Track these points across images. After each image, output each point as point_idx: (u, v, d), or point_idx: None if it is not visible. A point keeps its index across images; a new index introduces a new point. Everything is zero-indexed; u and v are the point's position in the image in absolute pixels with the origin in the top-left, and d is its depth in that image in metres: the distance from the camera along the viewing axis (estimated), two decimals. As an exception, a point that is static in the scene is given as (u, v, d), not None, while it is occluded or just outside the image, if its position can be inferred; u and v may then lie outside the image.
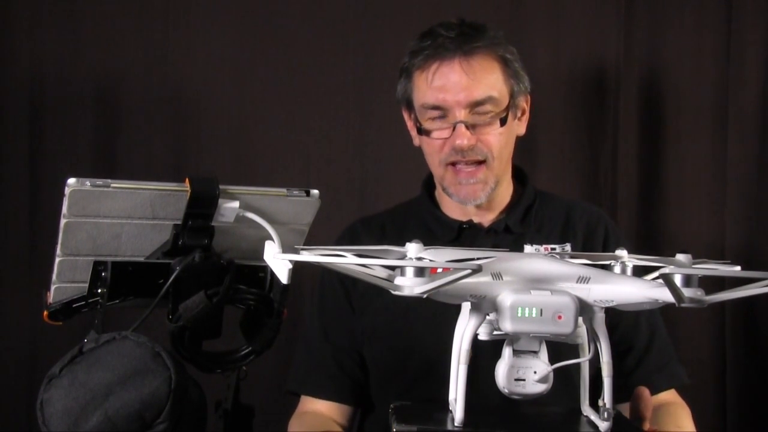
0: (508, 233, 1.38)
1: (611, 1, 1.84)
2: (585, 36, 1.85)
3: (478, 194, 1.33)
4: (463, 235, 1.38)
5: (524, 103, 1.38)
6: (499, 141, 1.32)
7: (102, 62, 1.81)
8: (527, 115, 1.40)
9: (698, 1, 1.85)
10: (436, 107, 1.31)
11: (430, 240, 1.25)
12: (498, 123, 1.31)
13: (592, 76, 1.86)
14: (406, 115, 1.41)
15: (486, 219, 1.40)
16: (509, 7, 1.84)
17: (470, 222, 1.39)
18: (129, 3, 1.82)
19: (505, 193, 1.41)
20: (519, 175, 1.43)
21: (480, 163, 1.32)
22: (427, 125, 1.33)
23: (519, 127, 1.39)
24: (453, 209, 1.41)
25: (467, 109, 1.30)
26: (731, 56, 1.82)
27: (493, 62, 1.33)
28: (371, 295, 1.36)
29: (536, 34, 1.82)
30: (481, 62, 1.31)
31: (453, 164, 1.32)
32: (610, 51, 1.85)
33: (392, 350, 1.36)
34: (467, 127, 1.29)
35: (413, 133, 1.40)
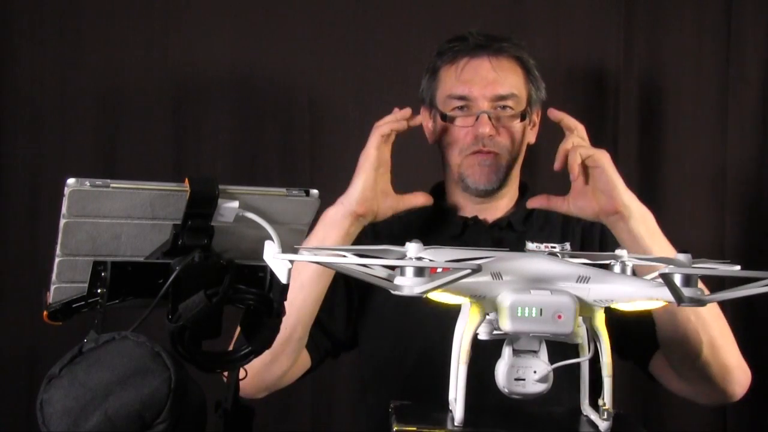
0: (511, 230, 1.42)
1: (611, 1, 1.84)
2: (585, 36, 1.85)
3: (491, 177, 1.40)
4: (467, 230, 1.43)
5: (536, 114, 1.46)
6: (515, 137, 1.40)
7: (102, 62, 1.81)
8: (537, 126, 1.47)
9: (698, 1, 1.85)
10: (461, 98, 1.39)
11: (434, 236, 1.28)
12: (518, 119, 1.39)
13: (591, 76, 1.86)
14: (425, 114, 1.46)
15: (491, 217, 1.44)
16: (509, 7, 1.84)
17: (475, 218, 1.43)
18: (129, 3, 1.82)
19: (512, 197, 1.47)
20: (523, 189, 1.50)
21: (495, 154, 1.39)
22: (450, 114, 1.40)
23: (530, 135, 1.46)
24: (460, 209, 1.45)
25: (491, 102, 1.38)
26: (731, 56, 1.83)
27: (517, 65, 1.42)
28: (373, 289, 1.37)
29: (536, 34, 1.82)
30: (507, 62, 1.41)
31: (471, 154, 1.39)
32: (609, 51, 1.85)
33: (392, 343, 1.37)
34: (489, 118, 1.36)
35: (428, 131, 1.47)
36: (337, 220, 1.29)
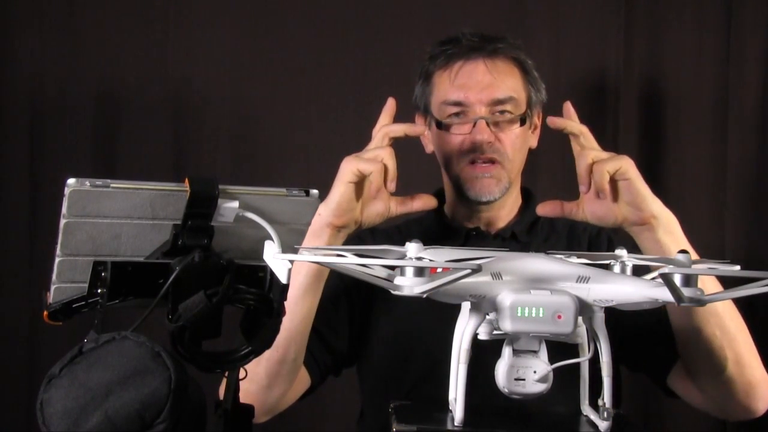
0: (515, 241, 1.38)
1: (611, 2, 1.85)
2: (585, 37, 1.85)
3: (493, 189, 1.33)
4: (470, 241, 1.38)
5: (537, 117, 1.40)
6: (515, 143, 1.33)
7: (102, 62, 1.82)
8: (539, 130, 1.41)
9: (698, 1, 1.85)
10: (457, 103, 1.32)
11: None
12: (517, 123, 1.33)
13: (592, 78, 1.86)
14: (420, 122, 1.41)
15: (493, 227, 1.40)
16: (509, 9, 1.84)
17: (477, 229, 1.39)
18: (129, 3, 1.83)
19: (514, 204, 1.41)
20: (526, 195, 1.44)
21: (495, 162, 1.32)
22: (446, 121, 1.34)
23: (532, 139, 1.40)
24: (461, 219, 1.41)
25: (488, 107, 1.31)
26: (731, 56, 1.83)
27: (515, 66, 1.36)
28: (374, 299, 1.35)
29: (536, 35, 1.82)
30: (504, 64, 1.34)
31: (469, 163, 1.33)
32: (610, 52, 1.85)
33: (394, 354, 1.36)
34: (488, 124, 1.30)
35: (425, 140, 1.41)
36: (316, 230, 1.22)
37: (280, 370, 1.24)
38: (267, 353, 1.22)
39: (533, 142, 1.40)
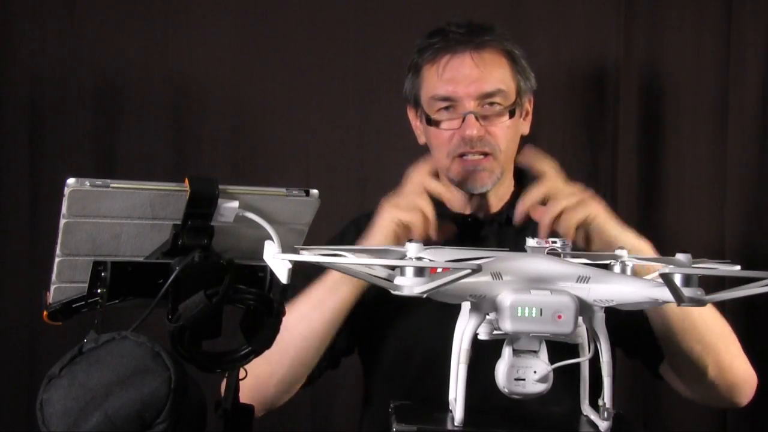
0: (510, 226, 1.38)
1: (611, 0, 1.84)
2: (585, 36, 1.85)
3: (485, 181, 1.34)
4: (465, 228, 1.39)
5: (528, 103, 1.40)
6: (506, 134, 1.34)
7: (102, 62, 1.81)
8: (531, 116, 1.42)
9: (698, 1, 1.85)
10: (445, 98, 1.33)
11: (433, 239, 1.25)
12: (506, 116, 1.33)
13: (591, 76, 1.86)
14: (411, 114, 1.42)
15: (488, 211, 1.41)
16: (509, 7, 1.84)
17: (473, 215, 1.40)
18: (129, 3, 1.82)
19: (507, 190, 1.42)
20: (520, 177, 1.44)
21: (487, 155, 1.33)
22: (436, 116, 1.34)
23: (523, 126, 1.40)
24: (455, 204, 1.41)
25: (477, 101, 1.32)
26: (731, 56, 1.82)
27: (502, 57, 1.36)
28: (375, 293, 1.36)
29: (536, 34, 1.82)
30: (491, 56, 1.34)
31: (460, 156, 1.33)
32: (609, 51, 1.85)
33: (395, 353, 1.36)
34: (477, 118, 1.31)
35: (418, 131, 1.42)
36: (334, 286, 1.27)
37: (291, 389, 1.31)
38: (289, 377, 1.27)
39: (525, 129, 1.41)
